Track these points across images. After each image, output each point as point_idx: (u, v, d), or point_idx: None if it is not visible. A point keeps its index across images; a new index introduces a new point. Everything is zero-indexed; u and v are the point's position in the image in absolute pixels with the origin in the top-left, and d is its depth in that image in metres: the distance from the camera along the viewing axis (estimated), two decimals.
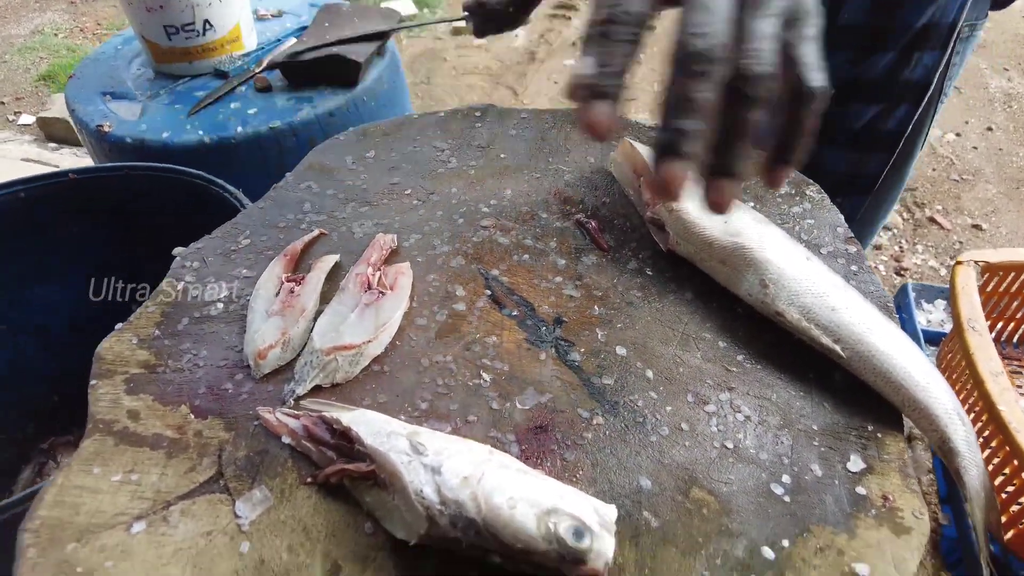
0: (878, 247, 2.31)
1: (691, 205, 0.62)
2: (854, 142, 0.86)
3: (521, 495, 0.42)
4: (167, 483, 0.49)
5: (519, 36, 3.41)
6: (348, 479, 0.47)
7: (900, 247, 2.32)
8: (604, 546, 0.41)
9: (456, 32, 3.43)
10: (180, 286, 0.63)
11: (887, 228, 2.40)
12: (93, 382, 0.55)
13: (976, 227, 2.39)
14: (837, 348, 0.54)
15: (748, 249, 0.58)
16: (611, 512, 0.43)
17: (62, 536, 0.45)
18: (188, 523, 0.46)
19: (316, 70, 1.21)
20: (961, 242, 2.35)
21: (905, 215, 2.47)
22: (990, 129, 2.83)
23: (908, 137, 0.86)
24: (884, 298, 0.61)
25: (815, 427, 0.53)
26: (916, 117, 0.84)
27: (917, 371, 0.53)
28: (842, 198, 0.89)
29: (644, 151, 0.67)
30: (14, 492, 1.16)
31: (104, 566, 0.44)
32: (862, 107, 0.83)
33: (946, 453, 0.52)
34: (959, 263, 0.68)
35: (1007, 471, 0.60)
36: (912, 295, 0.84)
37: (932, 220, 2.43)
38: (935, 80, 0.80)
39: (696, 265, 0.63)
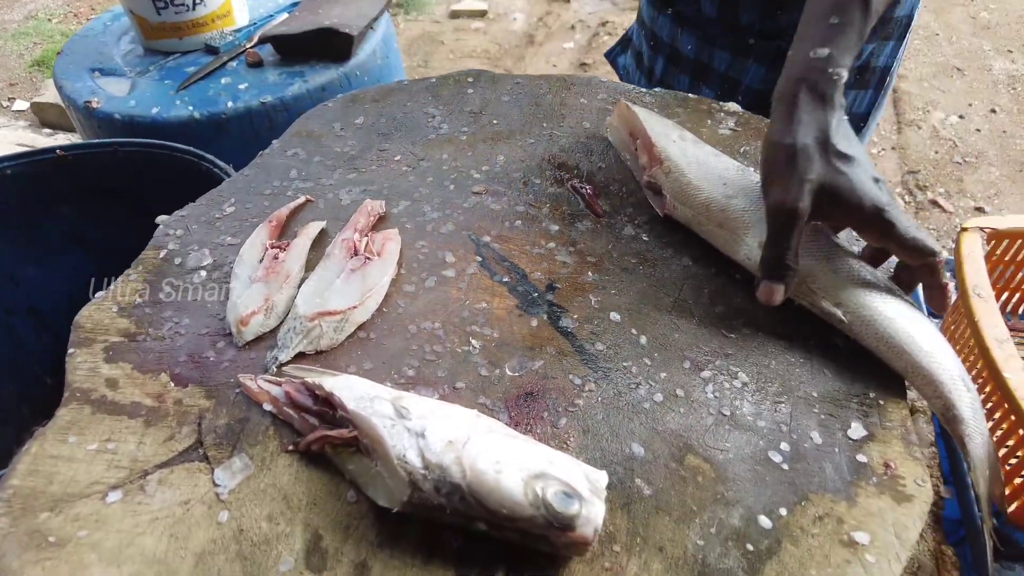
0: None
1: (688, 167, 0.60)
2: (852, 83, 0.87)
3: (508, 459, 0.40)
4: (144, 452, 0.47)
5: (518, 19, 3.38)
6: (330, 446, 0.45)
7: None
8: (594, 512, 0.39)
9: (454, 15, 3.39)
10: (162, 254, 0.61)
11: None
12: (71, 351, 0.54)
13: (979, 210, 2.37)
14: (838, 312, 0.52)
15: (747, 211, 0.56)
16: (602, 478, 0.41)
17: (35, 505, 0.44)
18: (165, 492, 0.45)
19: (308, 44, 1.18)
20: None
21: (907, 198, 2.44)
22: (994, 111, 2.80)
23: (891, 71, 0.89)
24: (887, 265, 0.59)
25: (815, 394, 0.51)
26: (899, 51, 0.87)
27: (921, 336, 0.51)
28: None
29: (641, 114, 0.65)
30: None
31: (77, 535, 0.42)
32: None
33: (950, 420, 0.50)
34: (964, 229, 0.66)
35: (1011, 442, 0.59)
36: None
37: (934, 203, 2.41)
38: (914, 11, 0.85)
39: (693, 230, 0.61)
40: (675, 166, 0.60)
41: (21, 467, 0.46)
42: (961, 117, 2.78)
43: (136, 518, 0.43)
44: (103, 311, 0.57)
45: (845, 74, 0.52)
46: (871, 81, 0.88)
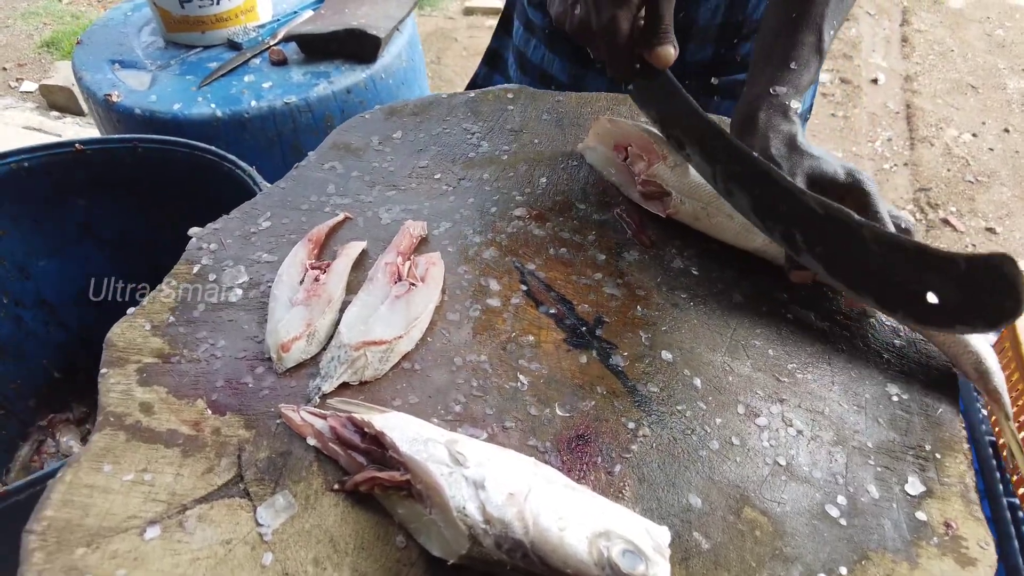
0: None
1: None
2: None
3: (571, 515, 0.39)
4: (183, 485, 0.45)
5: None
6: (379, 488, 0.44)
7: None
8: (659, 572, 0.38)
9: (468, 12, 3.36)
10: (196, 269, 0.59)
11: (901, 230, 2.37)
12: (104, 371, 0.52)
13: (990, 230, 2.36)
14: None
15: None
16: (664, 535, 0.40)
17: (70, 539, 0.42)
18: (206, 530, 0.43)
19: (334, 44, 1.16)
20: (974, 245, 2.32)
21: (918, 215, 2.43)
22: (1007, 131, 2.79)
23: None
24: None
25: (870, 444, 0.50)
26: None
27: None
28: None
29: (629, 123, 0.66)
30: (11, 470, 1.13)
31: (116, 574, 0.41)
32: None
33: (982, 374, 0.54)
34: None
35: None
36: None
37: (945, 222, 2.40)
38: None
39: (695, 226, 0.62)
40: (680, 160, 0.61)
41: (55, 497, 0.44)
42: (974, 135, 2.77)
43: (176, 557, 0.42)
44: (135, 328, 0.55)
45: (799, 107, 0.57)
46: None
